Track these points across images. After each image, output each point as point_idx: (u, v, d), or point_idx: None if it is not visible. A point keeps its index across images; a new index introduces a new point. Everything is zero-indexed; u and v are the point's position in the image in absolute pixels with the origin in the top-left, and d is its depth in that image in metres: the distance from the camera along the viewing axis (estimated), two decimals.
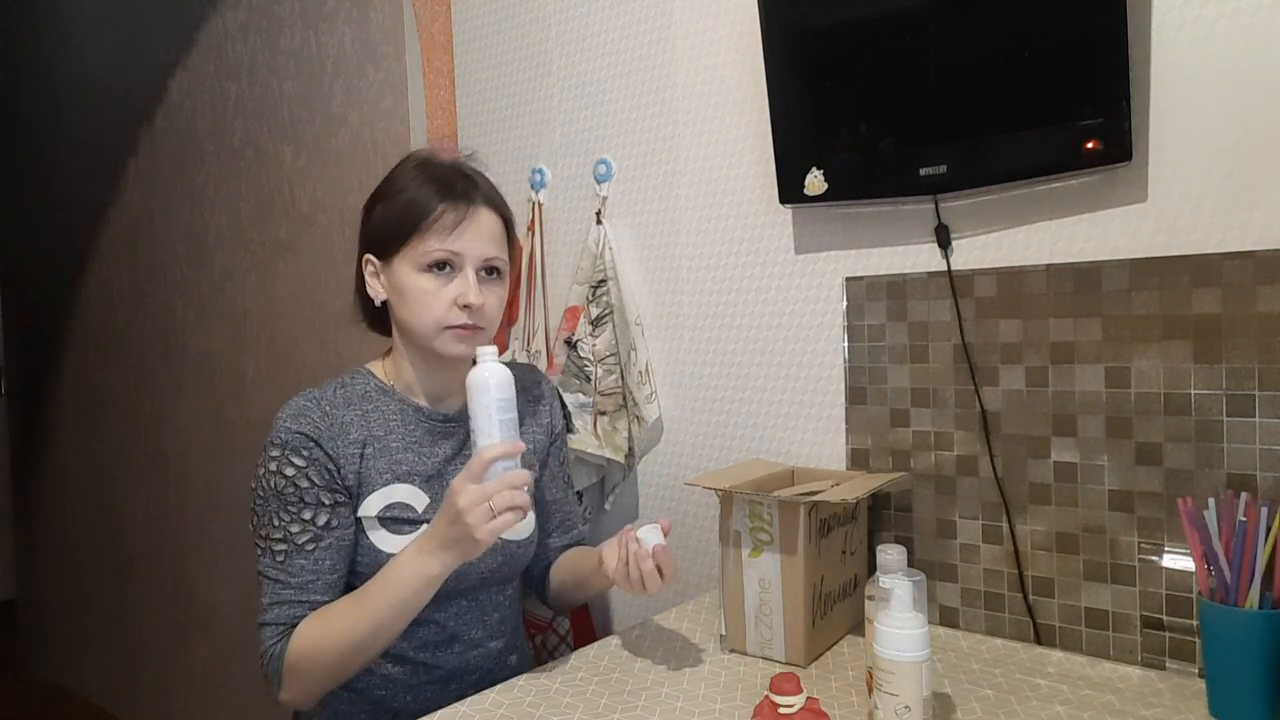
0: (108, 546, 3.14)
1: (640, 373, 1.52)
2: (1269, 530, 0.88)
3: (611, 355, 1.54)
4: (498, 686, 1.05)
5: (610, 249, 1.56)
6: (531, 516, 1.21)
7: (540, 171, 1.70)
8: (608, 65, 1.59)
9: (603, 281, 1.55)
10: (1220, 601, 0.90)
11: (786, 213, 1.38)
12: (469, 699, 1.02)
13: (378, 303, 1.12)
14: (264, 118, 2.34)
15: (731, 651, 1.15)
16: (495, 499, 0.94)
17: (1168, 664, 1.06)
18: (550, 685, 1.05)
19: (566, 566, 1.26)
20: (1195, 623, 1.04)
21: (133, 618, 3.04)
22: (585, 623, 1.61)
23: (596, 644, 1.18)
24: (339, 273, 2.14)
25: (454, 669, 1.12)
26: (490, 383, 0.98)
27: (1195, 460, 1.03)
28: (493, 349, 1.01)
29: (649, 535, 1.03)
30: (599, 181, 1.61)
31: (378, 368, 1.16)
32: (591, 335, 1.55)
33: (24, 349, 3.67)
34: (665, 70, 1.51)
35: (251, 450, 2.46)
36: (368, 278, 1.13)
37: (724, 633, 1.15)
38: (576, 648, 1.19)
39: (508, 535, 1.16)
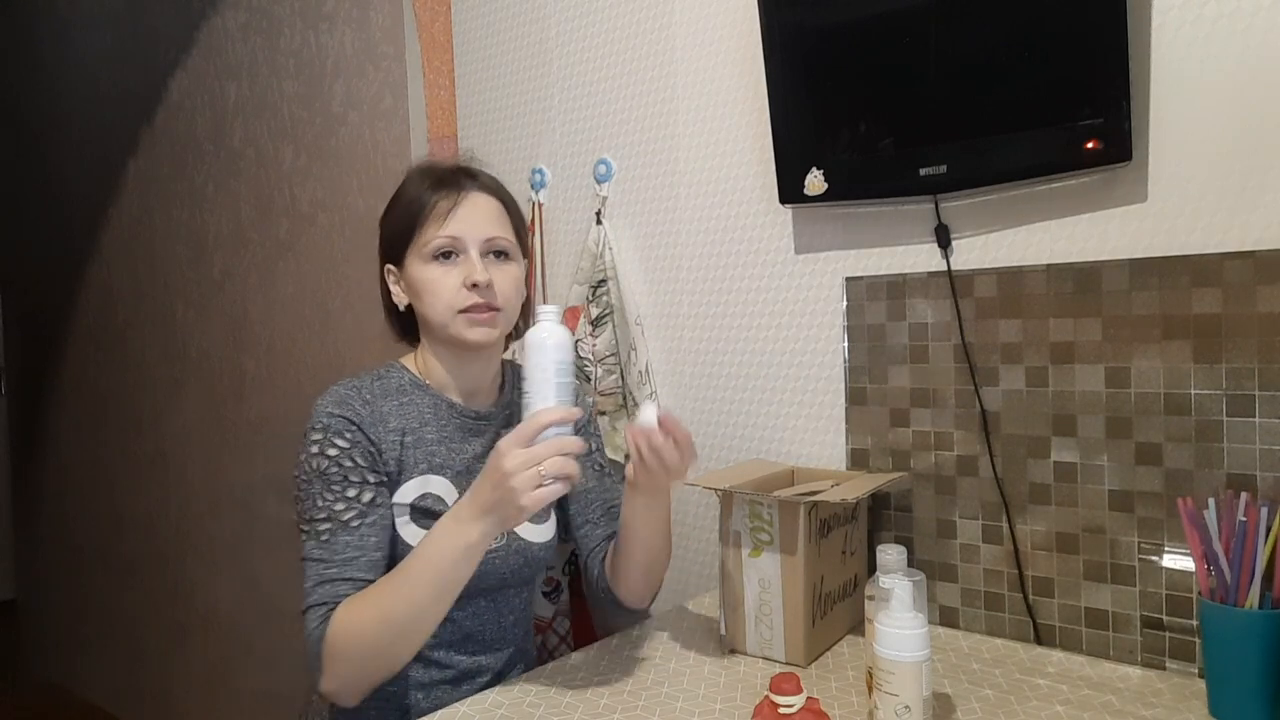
0: (108, 547, 3.14)
1: (640, 373, 1.52)
2: (1269, 530, 0.88)
3: (611, 355, 1.54)
4: (497, 687, 1.05)
5: (610, 249, 1.56)
6: (553, 520, 1.20)
7: (540, 171, 1.70)
8: (608, 65, 1.59)
9: (603, 281, 1.55)
10: (1220, 601, 0.90)
11: (786, 213, 1.38)
12: (469, 699, 1.02)
13: (402, 308, 1.14)
14: (264, 118, 2.34)
15: (731, 651, 1.14)
16: (547, 464, 0.89)
17: (1168, 664, 1.06)
18: (550, 685, 1.05)
19: (616, 561, 1.18)
20: (1195, 623, 1.04)
21: (133, 618, 3.04)
22: (585, 623, 1.61)
23: (597, 644, 1.18)
24: (339, 273, 2.14)
25: (466, 669, 1.12)
26: (549, 343, 0.93)
27: (1195, 460, 1.03)
28: (554, 308, 0.96)
29: (646, 414, 0.99)
30: (599, 181, 1.61)
31: (410, 362, 1.16)
32: (591, 335, 1.55)
33: (24, 349, 3.66)
34: (665, 70, 1.51)
35: (251, 450, 2.47)
36: (391, 288, 1.15)
37: (724, 633, 1.15)
38: (576, 648, 1.19)
39: (530, 537, 1.15)
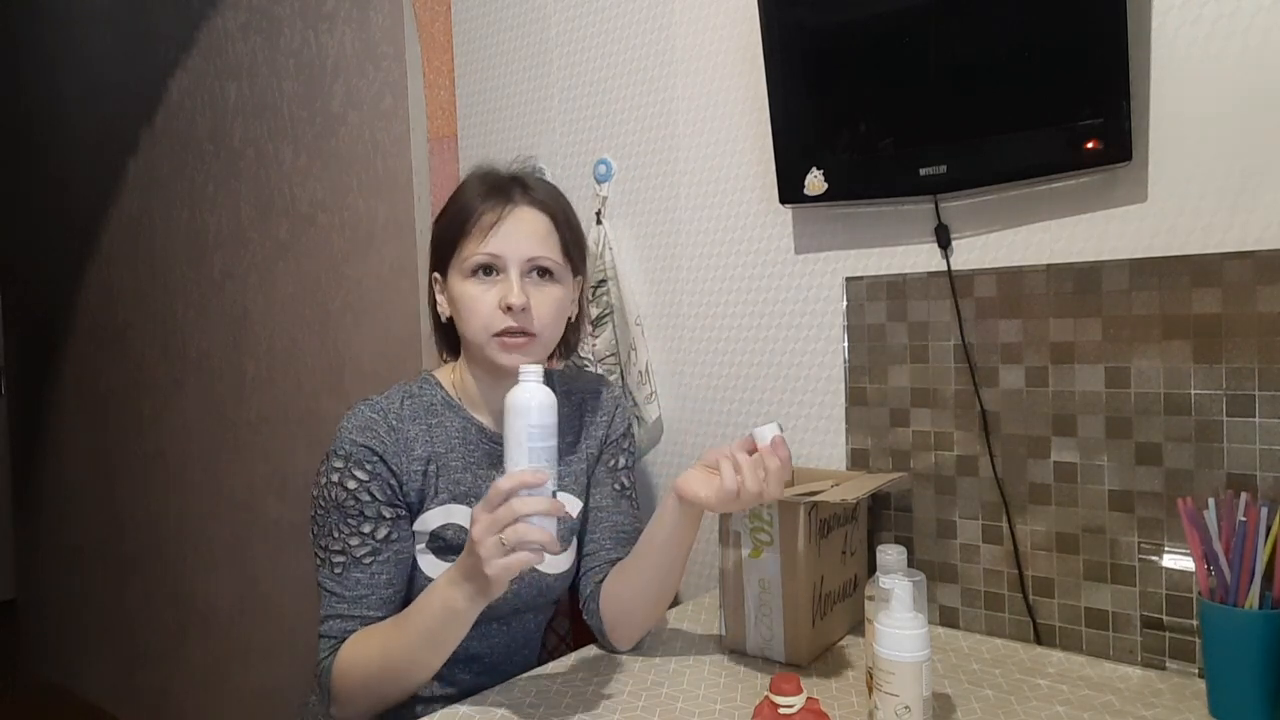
0: (108, 546, 3.14)
1: (640, 373, 1.52)
2: (1269, 530, 0.88)
3: (611, 355, 1.54)
4: (497, 687, 1.05)
5: (610, 249, 1.56)
6: (572, 550, 1.16)
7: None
8: (608, 65, 1.59)
9: (603, 281, 1.55)
10: (1220, 601, 0.90)
11: (786, 213, 1.38)
12: (469, 699, 1.02)
13: (444, 319, 1.12)
14: (264, 118, 2.34)
15: (731, 651, 1.14)
16: (508, 532, 0.84)
17: (1168, 664, 1.06)
18: (550, 685, 1.05)
19: (619, 578, 1.12)
20: (1195, 623, 1.04)
21: (133, 618, 3.04)
22: (585, 623, 1.61)
23: (596, 644, 1.18)
24: (339, 273, 2.14)
25: (469, 688, 1.09)
26: (530, 405, 0.89)
27: (1195, 460, 1.03)
28: (537, 368, 0.91)
29: (765, 431, 0.93)
30: (599, 181, 1.61)
31: (446, 377, 1.14)
32: (591, 335, 1.55)
33: (24, 349, 3.66)
34: (665, 70, 1.51)
35: (251, 450, 2.47)
36: (437, 296, 1.12)
37: (724, 633, 1.15)
38: (576, 648, 1.18)
39: (543, 568, 1.11)
